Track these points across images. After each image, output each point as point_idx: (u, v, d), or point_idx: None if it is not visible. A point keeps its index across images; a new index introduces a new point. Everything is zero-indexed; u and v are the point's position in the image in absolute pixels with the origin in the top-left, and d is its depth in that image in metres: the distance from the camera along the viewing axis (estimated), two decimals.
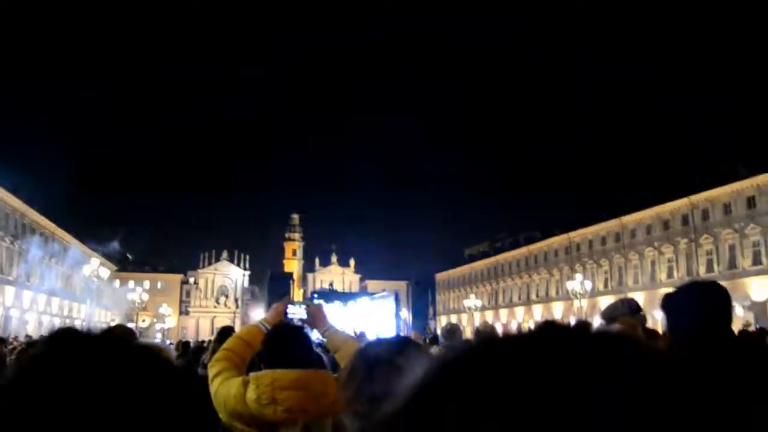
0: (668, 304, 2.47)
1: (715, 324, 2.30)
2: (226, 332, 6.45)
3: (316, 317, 3.56)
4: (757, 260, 43.16)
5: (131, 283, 64.53)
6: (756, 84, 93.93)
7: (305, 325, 3.70)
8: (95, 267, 34.76)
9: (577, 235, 61.01)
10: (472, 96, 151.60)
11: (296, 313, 3.71)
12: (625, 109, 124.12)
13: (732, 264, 44.77)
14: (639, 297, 42.49)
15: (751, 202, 43.94)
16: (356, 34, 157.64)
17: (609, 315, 3.86)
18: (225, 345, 3.27)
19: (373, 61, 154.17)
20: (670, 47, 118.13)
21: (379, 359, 1.77)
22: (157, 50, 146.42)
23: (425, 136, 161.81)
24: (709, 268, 46.25)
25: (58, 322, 57.21)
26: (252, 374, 2.85)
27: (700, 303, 2.37)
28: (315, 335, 4.33)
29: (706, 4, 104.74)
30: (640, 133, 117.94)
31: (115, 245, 69.46)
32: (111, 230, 59.42)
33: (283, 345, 2.96)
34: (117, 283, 77.96)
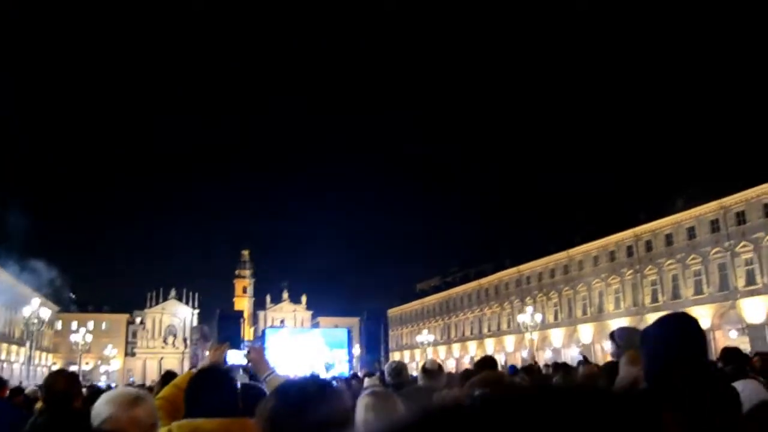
0: (644, 336, 2.52)
1: (688, 356, 2.35)
2: (171, 376, 6.33)
3: (257, 362, 3.51)
4: (698, 289, 44.49)
5: (74, 324, 62.54)
6: (700, 115, 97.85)
7: (248, 370, 3.64)
8: (35, 308, 33.36)
9: (527, 268, 61.89)
10: (426, 128, 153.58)
11: (237, 358, 3.64)
12: (569, 140, 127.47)
13: (675, 294, 46.03)
14: (588, 328, 42.80)
15: (691, 233, 45.45)
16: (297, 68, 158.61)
17: (627, 342, 3.88)
18: (160, 393, 3.21)
19: (326, 93, 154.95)
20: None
21: (286, 406, 1.83)
22: (97, 74, 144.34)
23: (376, 171, 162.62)
24: (654, 298, 47.49)
25: None
26: (174, 423, 2.77)
27: (669, 335, 2.41)
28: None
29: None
30: (582, 166, 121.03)
31: (57, 284, 67.34)
32: (53, 269, 57.34)
33: (205, 392, 2.88)
34: (59, 324, 75.54)
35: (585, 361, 14.05)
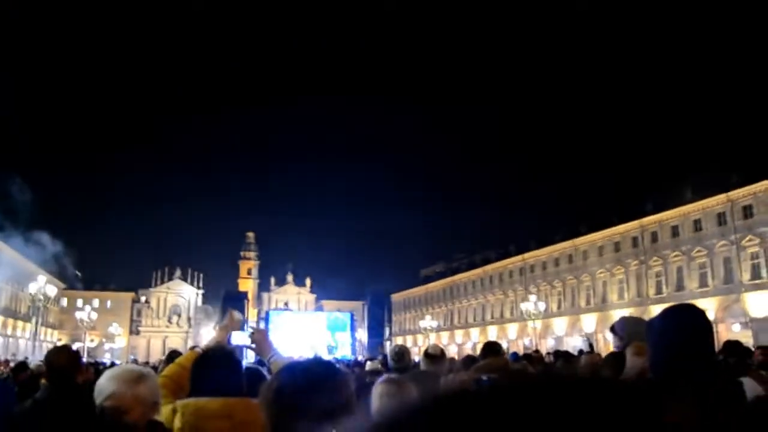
0: (649, 326, 2.50)
1: (693, 349, 2.33)
2: (176, 355, 6.39)
3: (260, 344, 3.51)
4: (703, 282, 44.40)
5: (80, 302, 63.01)
6: (710, 108, 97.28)
7: (250, 350, 3.64)
8: (42, 285, 33.58)
9: (532, 256, 61.85)
10: (429, 118, 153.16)
11: (240, 339, 3.64)
12: (578, 130, 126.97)
13: (680, 286, 45.94)
14: (590, 318, 42.72)
15: (697, 225, 45.30)
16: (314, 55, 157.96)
17: (628, 336, 3.83)
18: (164, 372, 3.22)
19: (335, 80, 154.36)
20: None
21: (290, 386, 1.82)
22: (102, 66, 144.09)
23: (383, 157, 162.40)
24: (658, 289, 47.42)
25: (1, 341, 55.30)
26: (179, 402, 2.79)
27: (674, 327, 2.39)
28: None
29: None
30: (592, 154, 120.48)
31: (64, 262, 67.76)
32: (57, 242, 57.50)
33: (210, 372, 2.90)
34: (65, 301, 76.04)
35: (590, 349, 14.03)
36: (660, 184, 63.30)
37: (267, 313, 51.41)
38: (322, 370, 1.90)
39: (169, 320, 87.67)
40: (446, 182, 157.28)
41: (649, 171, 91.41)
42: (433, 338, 68.82)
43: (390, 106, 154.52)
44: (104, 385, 2.39)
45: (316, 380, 1.83)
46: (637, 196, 52.61)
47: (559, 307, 57.59)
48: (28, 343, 57.22)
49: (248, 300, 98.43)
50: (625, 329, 4.12)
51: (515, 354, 11.14)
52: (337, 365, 2.15)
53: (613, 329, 4.27)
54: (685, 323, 2.40)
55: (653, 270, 48.35)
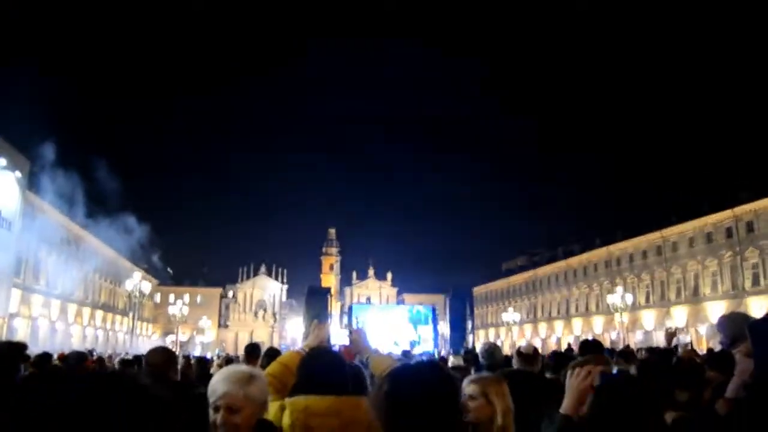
0: (755, 331, 2.38)
1: None
2: (273, 351, 6.63)
3: (357, 343, 3.62)
4: None
5: (172, 297, 65.64)
6: None
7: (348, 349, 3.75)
8: (137, 281, 35.26)
9: (617, 248, 60.06)
10: (507, 104, 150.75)
11: (338, 338, 3.75)
12: (665, 118, 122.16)
13: None
14: (681, 311, 41.02)
15: None
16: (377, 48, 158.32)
17: (732, 336, 3.68)
18: (267, 370, 3.34)
19: (401, 65, 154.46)
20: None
21: (401, 390, 1.85)
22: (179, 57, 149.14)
23: (461, 148, 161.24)
24: (755, 281, 44.95)
25: (101, 335, 58.39)
26: (288, 400, 2.89)
27: None
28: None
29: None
30: (681, 143, 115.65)
31: (154, 259, 71.03)
32: (147, 235, 59.72)
33: (317, 371, 2.99)
34: (158, 297, 79.59)
35: (690, 345, 13.44)
36: (755, 171, 60.11)
37: (350, 308, 52.03)
38: (430, 374, 1.94)
39: (255, 314, 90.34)
40: (526, 174, 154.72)
41: (742, 157, 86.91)
42: (516, 331, 68.05)
43: (471, 99, 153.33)
44: (217, 385, 2.48)
45: (426, 383, 1.88)
46: (731, 184, 50.08)
47: (647, 300, 55.70)
48: (126, 337, 60.22)
49: (331, 295, 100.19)
50: (727, 328, 3.95)
51: (607, 350, 10.87)
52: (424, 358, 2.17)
53: (717, 327, 4.12)
54: None
55: (749, 262, 45.89)
